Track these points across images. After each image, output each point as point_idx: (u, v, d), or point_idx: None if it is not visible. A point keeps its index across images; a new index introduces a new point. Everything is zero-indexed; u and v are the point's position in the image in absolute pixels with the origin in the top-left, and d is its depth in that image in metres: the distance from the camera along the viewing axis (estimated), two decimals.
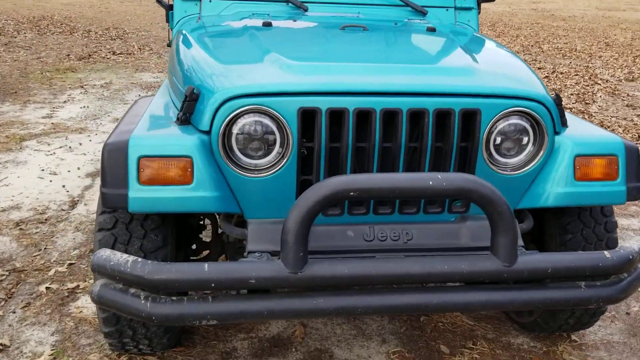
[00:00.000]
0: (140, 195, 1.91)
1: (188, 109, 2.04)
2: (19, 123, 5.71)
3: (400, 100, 1.98)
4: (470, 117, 2.03)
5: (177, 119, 2.07)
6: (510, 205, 1.88)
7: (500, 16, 18.62)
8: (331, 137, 1.97)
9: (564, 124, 2.19)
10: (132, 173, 1.91)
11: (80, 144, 5.14)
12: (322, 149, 1.98)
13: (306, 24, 2.81)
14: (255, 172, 2.00)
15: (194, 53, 2.38)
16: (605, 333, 2.71)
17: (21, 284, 2.99)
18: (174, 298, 1.82)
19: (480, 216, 2.15)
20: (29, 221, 3.67)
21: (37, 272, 3.10)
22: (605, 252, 1.96)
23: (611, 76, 9.27)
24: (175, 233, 2.27)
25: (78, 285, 2.97)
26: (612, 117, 6.80)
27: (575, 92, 7.99)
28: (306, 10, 3.10)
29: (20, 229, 3.57)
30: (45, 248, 3.35)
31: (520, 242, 2.11)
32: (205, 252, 2.64)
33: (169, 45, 3.16)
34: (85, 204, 3.94)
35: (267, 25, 2.68)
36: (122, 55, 9.72)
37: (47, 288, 2.94)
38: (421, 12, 3.21)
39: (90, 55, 9.54)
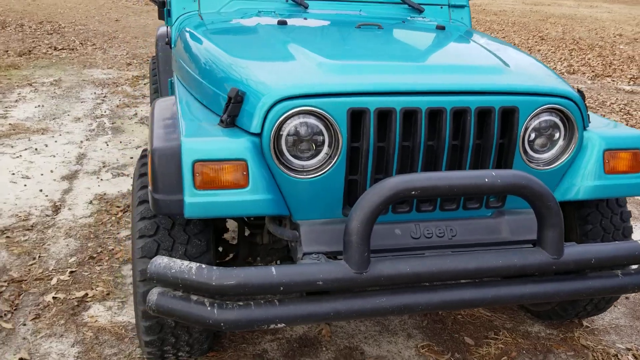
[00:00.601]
0: (197, 201, 1.86)
1: (233, 111, 2.01)
2: None
3: (445, 99, 2.02)
4: (508, 115, 2.09)
5: (221, 121, 2.03)
6: None
7: None
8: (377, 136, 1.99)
9: (588, 119, 2.30)
10: (187, 178, 1.86)
11: (46, 146, 4.92)
12: (371, 149, 1.99)
13: (320, 23, 2.81)
14: (304, 174, 1.99)
15: (221, 53, 2.33)
16: (611, 318, 2.87)
17: (24, 295, 2.85)
18: (241, 303, 1.80)
19: (516, 210, 2.23)
20: (14, 228, 3.49)
21: (37, 281, 2.96)
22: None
23: (553, 69, 9.69)
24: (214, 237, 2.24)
25: (86, 294, 2.86)
26: None
27: None
28: (306, 7, 3.10)
29: (7, 236, 3.39)
30: (39, 256, 3.20)
31: None
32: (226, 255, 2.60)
33: (167, 43, 3.07)
34: (69, 209, 3.78)
35: (283, 23, 2.66)
36: (65, 51, 9.31)
37: (53, 298, 2.82)
38: (418, 9, 3.27)
39: (30, 51, 9.09)
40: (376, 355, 2.54)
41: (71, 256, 3.22)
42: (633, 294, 3.06)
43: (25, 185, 4.11)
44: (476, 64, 2.27)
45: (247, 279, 1.75)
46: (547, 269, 1.98)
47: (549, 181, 2.26)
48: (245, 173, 1.90)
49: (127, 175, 4.37)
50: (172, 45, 3.00)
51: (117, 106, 6.21)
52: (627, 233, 2.53)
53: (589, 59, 10.48)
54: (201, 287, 1.75)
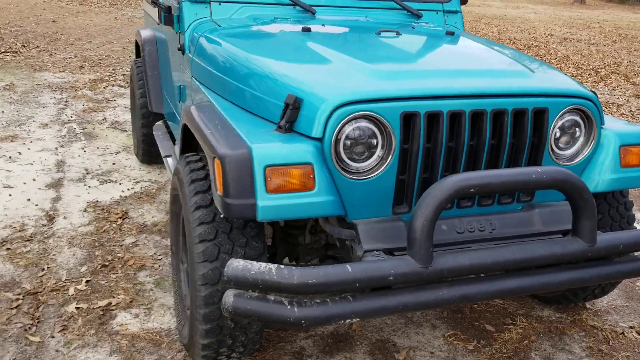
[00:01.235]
0: (269, 204, 1.92)
1: (292, 117, 2.07)
2: None
3: (486, 101, 2.16)
4: (539, 115, 2.26)
5: (279, 126, 2.09)
6: None
7: None
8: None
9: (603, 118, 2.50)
10: (259, 182, 1.92)
11: (20, 153, 4.76)
12: (420, 150, 2.11)
13: (340, 29, 2.89)
14: (359, 175, 2.08)
15: (264, 61, 2.38)
16: (609, 300, 3.11)
17: (43, 307, 2.79)
18: (318, 300, 1.87)
19: (543, 204, 2.40)
20: (13, 240, 3.39)
21: (54, 292, 2.91)
22: None
23: None
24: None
25: (110, 303, 2.83)
26: None
27: None
28: (314, 13, 3.18)
29: (7, 248, 3.29)
30: (48, 267, 3.13)
31: None
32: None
33: (180, 49, 3.07)
34: (64, 217, 3.70)
35: (307, 30, 2.74)
36: (8, 54, 8.93)
37: (77, 308, 2.78)
38: (417, 15, 3.42)
39: None
40: (408, 346, 2.66)
41: (81, 265, 3.16)
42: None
43: (10, 195, 3.97)
44: (507, 68, 2.42)
45: (326, 277, 1.83)
46: (582, 256, 2.15)
47: None
48: (312, 176, 1.97)
49: (115, 182, 4.30)
50: (187, 51, 3.01)
51: (83, 111, 6.05)
52: (630, 221, 2.76)
53: None
54: (283, 287, 1.81)
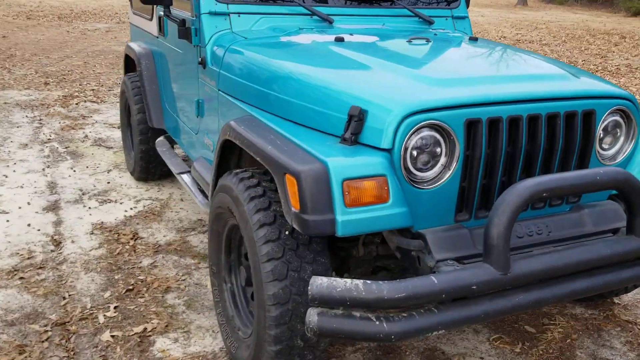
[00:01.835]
0: (349, 218, 1.88)
1: (357, 129, 2.04)
2: None
3: (541, 105, 2.18)
4: (587, 117, 2.29)
5: (344, 139, 2.06)
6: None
7: None
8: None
9: None
10: (337, 197, 1.88)
11: (6, 176, 4.53)
12: (482, 156, 2.11)
13: (371, 38, 2.87)
14: (424, 184, 2.07)
15: (311, 72, 2.35)
16: (633, 294, 3.19)
17: (75, 338, 2.65)
18: (405, 314, 1.84)
19: (590, 204, 2.44)
20: (23, 268, 3.21)
21: (83, 321, 2.77)
22: None
23: None
24: None
25: (145, 328, 2.72)
26: None
27: None
28: (331, 22, 3.16)
29: (21, 277, 3.12)
30: (69, 295, 2.98)
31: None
32: None
33: (201, 63, 2.99)
34: (72, 241, 3.54)
35: (340, 40, 2.71)
36: None
37: (112, 336, 2.65)
38: (429, 21, 3.44)
39: None
40: (457, 353, 2.65)
41: (103, 291, 3.03)
42: None
43: (7, 220, 3.78)
44: (553, 72, 2.44)
45: (414, 289, 1.80)
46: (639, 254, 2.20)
47: None
48: (386, 188, 1.95)
49: (115, 202, 4.15)
50: (209, 64, 2.92)
51: (62, 129, 5.83)
52: None
53: None
54: (372, 302, 1.77)
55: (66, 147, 5.30)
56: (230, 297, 2.58)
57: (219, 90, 2.84)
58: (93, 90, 7.61)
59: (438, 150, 2.07)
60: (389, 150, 1.99)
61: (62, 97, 7.14)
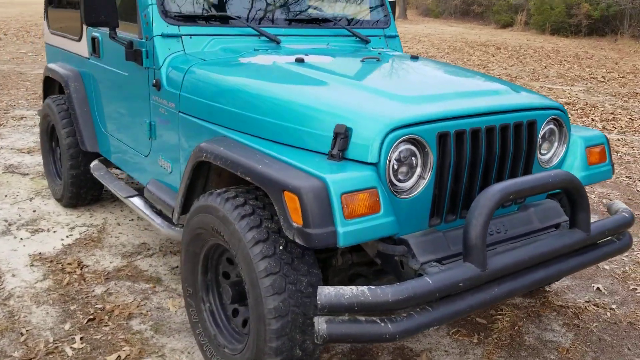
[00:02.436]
0: (348, 229, 2.02)
1: (343, 145, 2.18)
2: None
3: (495, 117, 2.44)
4: (530, 127, 2.58)
5: (332, 155, 2.19)
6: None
7: None
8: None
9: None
10: (337, 210, 2.00)
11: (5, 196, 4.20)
12: (451, 165, 2.33)
13: (327, 59, 3.01)
14: (404, 194, 2.25)
15: (288, 92, 2.46)
16: (560, 282, 3.55)
17: None
18: (405, 314, 2.00)
19: (533, 203, 2.73)
20: None
21: (49, 355, 2.68)
22: (624, 213, 2.73)
23: None
24: None
25: (119, 356, 2.67)
26: None
27: None
28: (279, 43, 3.28)
29: None
30: (26, 330, 2.86)
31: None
32: None
33: (155, 85, 2.99)
34: (13, 275, 3.37)
35: (300, 61, 2.83)
36: None
37: None
38: (366, 40, 3.66)
39: None
40: (423, 349, 2.85)
41: (62, 323, 2.93)
42: None
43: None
44: (499, 88, 2.71)
45: (414, 291, 1.97)
46: (583, 244, 2.50)
47: None
48: (377, 199, 2.10)
49: (47, 230, 3.98)
50: (165, 86, 2.93)
51: None
52: None
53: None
54: (379, 306, 1.92)
55: None
56: (210, 317, 2.61)
57: (179, 112, 2.87)
58: None
59: (414, 161, 2.26)
60: (375, 164, 2.14)
61: None
